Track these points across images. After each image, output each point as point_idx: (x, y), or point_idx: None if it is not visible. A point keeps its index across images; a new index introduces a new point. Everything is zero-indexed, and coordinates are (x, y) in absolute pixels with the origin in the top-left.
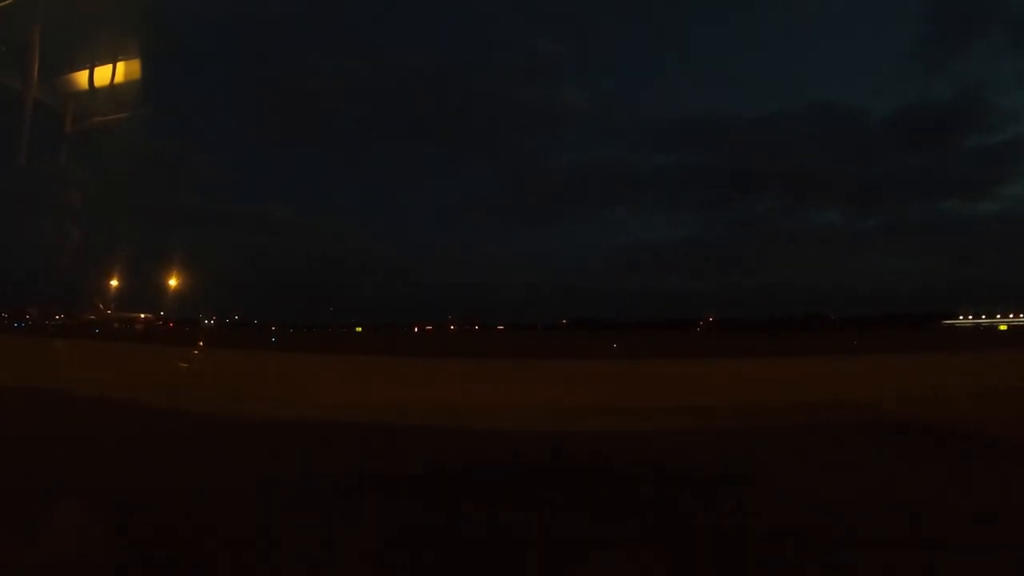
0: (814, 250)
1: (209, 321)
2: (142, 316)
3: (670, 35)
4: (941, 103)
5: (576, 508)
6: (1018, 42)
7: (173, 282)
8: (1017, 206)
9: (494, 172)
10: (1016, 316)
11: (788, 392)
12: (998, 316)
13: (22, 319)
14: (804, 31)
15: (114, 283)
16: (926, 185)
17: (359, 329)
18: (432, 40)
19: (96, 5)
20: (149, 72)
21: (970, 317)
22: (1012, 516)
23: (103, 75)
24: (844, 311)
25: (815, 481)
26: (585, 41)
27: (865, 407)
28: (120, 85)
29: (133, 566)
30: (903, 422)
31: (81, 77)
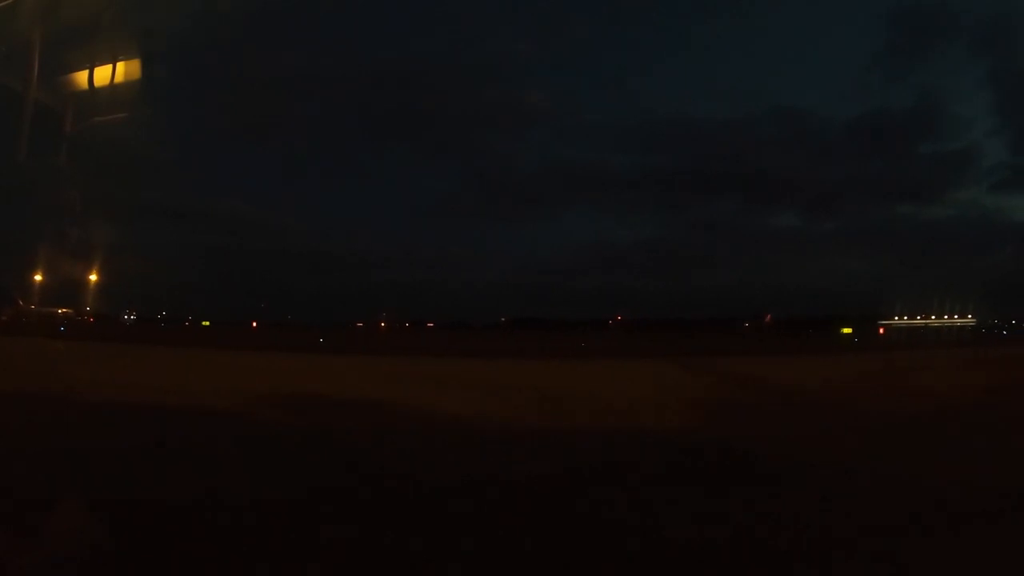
0: (773, 251)
1: (128, 317)
2: (60, 311)
3: (637, 38)
4: (900, 111)
5: None
6: (974, 53)
7: (94, 277)
8: (970, 211)
9: (456, 171)
10: (954, 317)
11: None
12: (947, 318)
13: None
14: (768, 38)
15: (37, 278)
16: (883, 190)
17: (206, 323)
18: (397, 39)
19: (96, 5)
20: (150, 72)
21: (911, 318)
22: None
23: (103, 75)
24: (798, 312)
25: None
26: (550, 42)
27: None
28: (120, 85)
29: None
30: None
31: (81, 77)
